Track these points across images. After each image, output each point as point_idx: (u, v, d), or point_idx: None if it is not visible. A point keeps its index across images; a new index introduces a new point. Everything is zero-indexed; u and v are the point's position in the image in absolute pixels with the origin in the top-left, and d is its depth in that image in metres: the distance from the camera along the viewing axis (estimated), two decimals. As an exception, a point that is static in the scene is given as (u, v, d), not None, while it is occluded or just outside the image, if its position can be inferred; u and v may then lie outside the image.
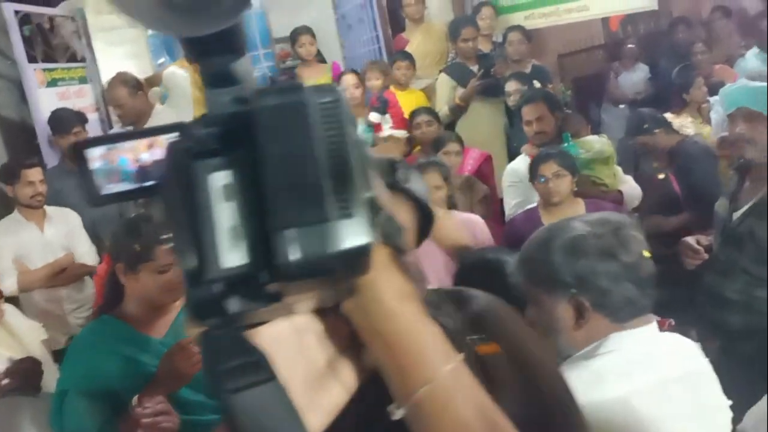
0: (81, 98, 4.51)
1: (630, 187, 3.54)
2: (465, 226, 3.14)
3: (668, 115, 4.01)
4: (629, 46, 5.78)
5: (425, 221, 0.56)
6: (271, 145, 0.43)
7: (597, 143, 3.58)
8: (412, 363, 0.51)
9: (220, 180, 0.43)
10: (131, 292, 1.93)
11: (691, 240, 2.51)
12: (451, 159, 3.61)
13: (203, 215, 0.43)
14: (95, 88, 4.66)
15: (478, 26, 4.86)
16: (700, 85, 4.36)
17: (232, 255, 0.43)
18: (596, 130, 4.67)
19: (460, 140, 3.88)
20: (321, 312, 0.52)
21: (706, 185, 3.12)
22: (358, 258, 0.44)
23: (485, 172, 4.09)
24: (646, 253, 1.28)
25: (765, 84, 2.16)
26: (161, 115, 3.99)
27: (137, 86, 3.95)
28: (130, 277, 1.89)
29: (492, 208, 3.85)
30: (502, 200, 3.73)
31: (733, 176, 2.44)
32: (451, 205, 3.32)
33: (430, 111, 4.33)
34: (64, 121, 3.93)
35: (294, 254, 0.42)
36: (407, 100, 4.69)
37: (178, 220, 0.44)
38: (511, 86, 4.28)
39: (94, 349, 1.89)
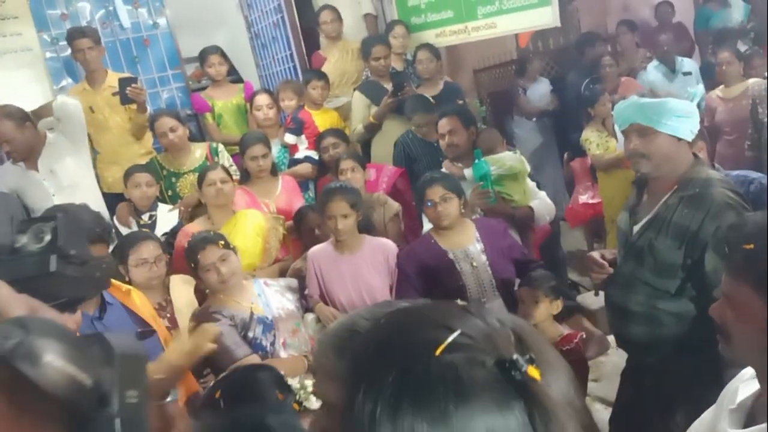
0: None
1: (542, 204, 3.59)
2: (378, 250, 3.11)
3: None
4: (531, 62, 5.92)
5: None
6: None
7: (509, 160, 3.62)
8: None
9: None
10: None
11: (596, 254, 2.54)
12: (347, 176, 3.59)
13: None
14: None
15: (389, 44, 4.87)
16: (605, 102, 4.50)
17: None
18: (510, 143, 4.75)
19: (355, 156, 3.85)
20: None
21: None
22: None
23: (401, 188, 4.09)
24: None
25: (655, 100, 2.21)
26: (55, 145, 3.79)
27: (24, 118, 3.70)
28: None
29: (407, 223, 3.83)
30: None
31: (632, 190, 2.48)
32: (367, 228, 3.28)
33: (337, 133, 4.29)
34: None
35: None
36: (322, 120, 4.64)
37: None
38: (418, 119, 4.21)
39: None
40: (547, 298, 2.92)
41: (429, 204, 2.92)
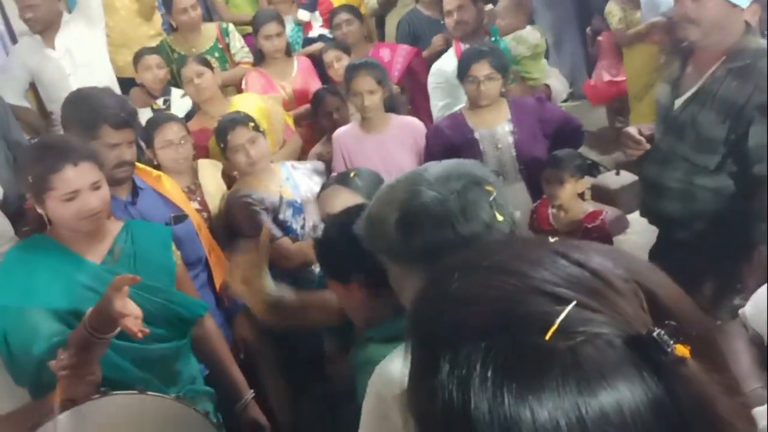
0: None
1: (557, 81, 3.49)
2: (406, 129, 3.04)
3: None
4: None
5: None
6: None
7: (532, 38, 3.47)
8: None
9: None
10: (52, 220, 1.83)
11: (632, 130, 2.47)
12: (334, 68, 3.56)
13: None
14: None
15: None
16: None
17: None
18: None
19: (339, 46, 3.72)
20: None
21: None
22: None
23: (415, 69, 3.95)
24: (500, 217, 1.10)
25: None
26: (72, 24, 3.63)
27: None
28: (40, 206, 1.78)
29: (420, 103, 3.73)
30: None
31: (675, 61, 2.38)
32: (391, 107, 3.19)
33: (351, 9, 4.09)
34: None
35: None
36: (339, -5, 4.42)
37: None
38: None
39: (29, 264, 1.79)
40: (573, 178, 2.89)
41: (471, 80, 2.81)
